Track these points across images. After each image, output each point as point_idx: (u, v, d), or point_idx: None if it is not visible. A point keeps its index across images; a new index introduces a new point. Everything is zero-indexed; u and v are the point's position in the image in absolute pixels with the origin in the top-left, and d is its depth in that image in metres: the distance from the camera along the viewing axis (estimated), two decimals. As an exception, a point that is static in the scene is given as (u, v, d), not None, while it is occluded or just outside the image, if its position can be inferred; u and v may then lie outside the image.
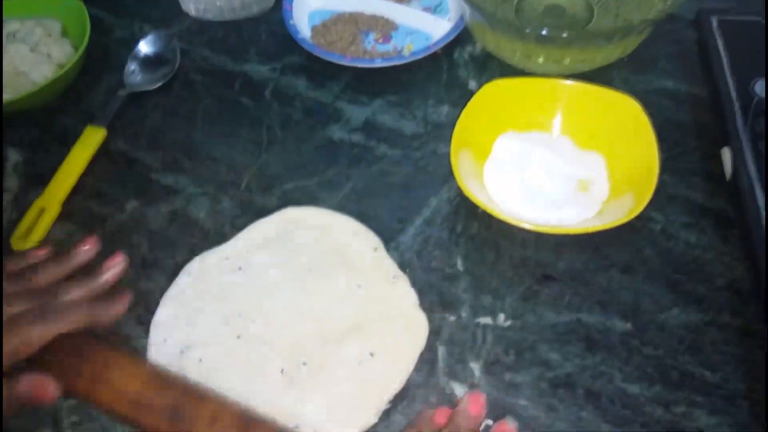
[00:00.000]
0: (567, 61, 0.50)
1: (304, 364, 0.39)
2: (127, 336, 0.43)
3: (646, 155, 0.44)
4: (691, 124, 0.50)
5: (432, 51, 0.54)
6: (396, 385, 0.39)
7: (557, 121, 0.49)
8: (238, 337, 0.41)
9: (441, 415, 0.35)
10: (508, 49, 0.51)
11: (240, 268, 0.44)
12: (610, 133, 0.47)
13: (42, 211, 0.48)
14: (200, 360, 0.40)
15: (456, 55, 0.57)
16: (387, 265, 0.43)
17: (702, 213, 0.45)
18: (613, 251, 0.44)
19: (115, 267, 0.38)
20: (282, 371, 0.39)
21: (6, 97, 0.52)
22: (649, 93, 0.52)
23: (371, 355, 0.39)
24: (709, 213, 0.45)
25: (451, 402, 0.39)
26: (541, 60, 0.50)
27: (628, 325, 0.41)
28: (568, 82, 0.47)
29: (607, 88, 0.47)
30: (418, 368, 0.40)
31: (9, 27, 0.56)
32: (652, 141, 0.44)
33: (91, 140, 0.52)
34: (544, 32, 0.46)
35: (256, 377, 0.39)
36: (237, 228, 0.47)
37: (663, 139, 0.45)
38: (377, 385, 0.39)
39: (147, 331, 0.43)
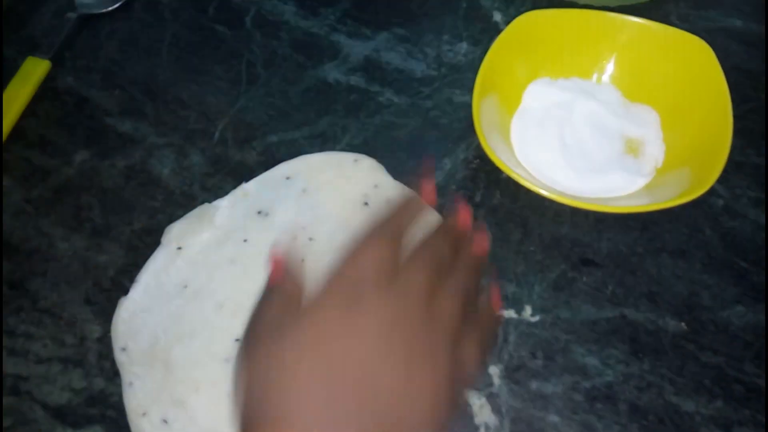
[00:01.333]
0: (620, -12, 0.40)
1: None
2: (72, 318, 0.35)
3: (716, 114, 0.36)
4: (764, 75, 0.42)
5: (451, -28, 0.45)
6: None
7: (604, 67, 0.40)
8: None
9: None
10: (548, -28, 0.42)
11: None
12: (670, 84, 0.39)
13: (-31, 162, 0.40)
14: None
15: (478, -22, 0.47)
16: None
17: (776, 186, 0.38)
18: (664, 231, 0.37)
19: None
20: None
21: (-77, 17, 0.42)
22: (712, 33, 0.43)
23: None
24: (785, 187, 0.38)
25: (466, 416, 0.32)
26: (589, -14, 0.41)
27: (683, 325, 0.34)
28: (626, 17, 0.38)
29: (671, 27, 0.38)
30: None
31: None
32: (725, 97, 0.36)
33: (32, 74, 0.44)
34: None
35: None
36: (207, 189, 0.39)
37: (729, 93, 0.36)
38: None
39: (95, 313, 0.35)
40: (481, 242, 0.27)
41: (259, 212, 0.37)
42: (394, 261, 0.24)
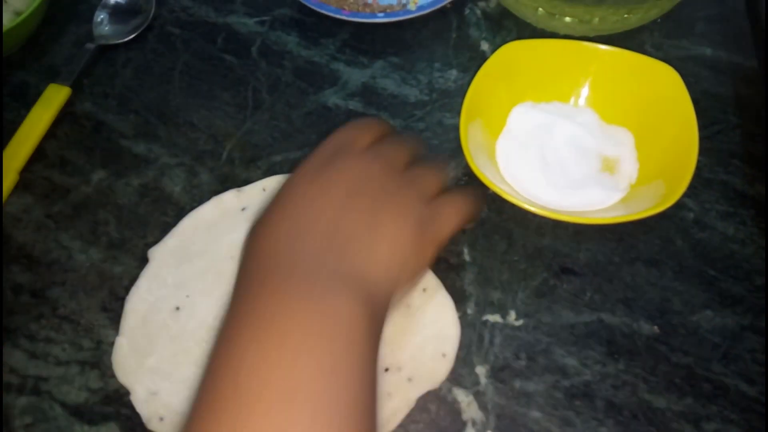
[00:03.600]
0: (596, 21, 0.44)
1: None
2: (89, 324, 0.38)
3: (684, 134, 0.38)
4: (731, 99, 0.45)
5: (441, 5, 0.48)
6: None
7: (582, 91, 0.43)
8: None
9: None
10: (530, 6, 0.45)
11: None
12: (642, 106, 0.41)
13: (-5, 181, 0.42)
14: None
15: (467, 11, 0.50)
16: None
17: (741, 201, 0.40)
18: (639, 242, 0.39)
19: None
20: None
21: (-45, 48, 0.46)
22: (684, 60, 0.46)
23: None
24: (750, 202, 0.40)
25: (454, 412, 0.34)
26: (568, 19, 0.44)
27: (655, 328, 0.36)
28: (601, 47, 0.41)
29: (643, 55, 0.41)
30: (417, 373, 0.35)
31: (-40, -33, 0.49)
32: (692, 118, 0.39)
33: (53, 100, 0.46)
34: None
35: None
36: (216, 205, 0.41)
37: (699, 115, 0.39)
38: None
39: (111, 319, 0.38)
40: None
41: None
42: (370, 138, 0.27)
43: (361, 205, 0.26)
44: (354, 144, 0.27)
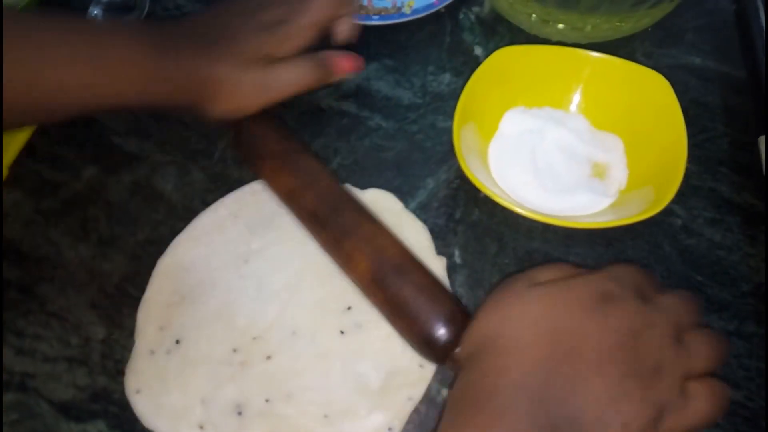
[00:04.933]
0: (588, 28, 0.44)
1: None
2: (77, 321, 0.38)
3: (673, 142, 0.39)
4: (719, 108, 0.45)
5: (436, 8, 0.48)
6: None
7: (573, 97, 0.43)
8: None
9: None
10: (523, 12, 0.45)
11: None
12: (632, 114, 0.42)
13: (-16, 175, 0.42)
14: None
15: (461, 15, 0.51)
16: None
17: (728, 209, 0.41)
18: (628, 247, 0.40)
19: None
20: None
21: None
22: (673, 69, 0.47)
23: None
24: (737, 209, 0.41)
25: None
26: (561, 26, 0.44)
27: (643, 332, 0.37)
28: (593, 54, 0.42)
29: (634, 62, 0.41)
30: (406, 373, 0.35)
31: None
32: (681, 126, 0.39)
33: None
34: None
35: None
36: (206, 203, 0.41)
37: (687, 123, 0.39)
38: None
39: (99, 316, 0.38)
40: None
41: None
42: (653, 288, 0.25)
43: (607, 371, 0.23)
44: (635, 290, 0.25)
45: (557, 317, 0.25)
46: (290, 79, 0.39)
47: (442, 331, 0.31)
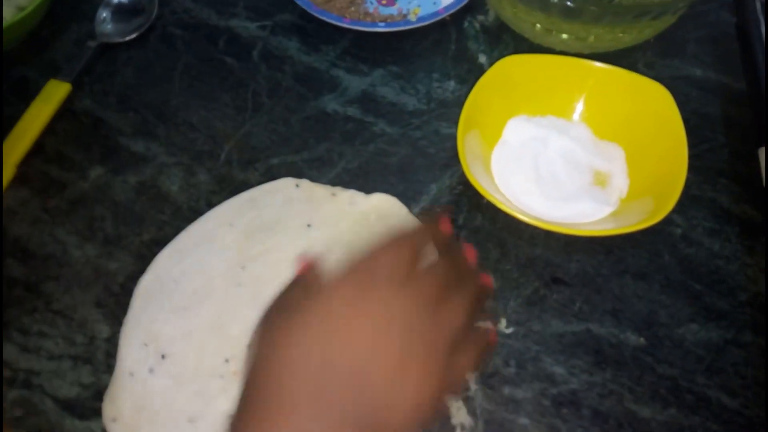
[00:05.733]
0: (591, 39, 0.45)
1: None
2: (83, 319, 0.38)
3: (673, 152, 0.40)
4: (720, 119, 0.46)
5: (441, 17, 0.49)
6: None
7: (576, 106, 0.44)
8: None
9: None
10: (527, 21, 0.46)
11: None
12: (634, 123, 0.42)
13: (-7, 174, 0.42)
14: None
15: (466, 24, 0.51)
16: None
17: (728, 219, 0.41)
18: (628, 255, 0.40)
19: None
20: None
21: (-44, 40, 0.46)
22: (675, 80, 0.47)
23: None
24: (736, 219, 0.41)
25: (444, 417, 0.35)
26: (564, 36, 0.45)
27: (642, 340, 0.37)
28: (596, 64, 0.42)
29: (636, 73, 0.42)
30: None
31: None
32: (682, 136, 0.40)
33: (53, 95, 0.46)
34: (570, 3, 0.41)
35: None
36: (212, 205, 0.42)
37: (688, 134, 0.40)
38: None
39: (105, 315, 0.38)
40: (487, 278, 0.30)
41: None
42: (410, 267, 0.25)
43: (391, 351, 0.24)
44: (393, 274, 0.25)
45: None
46: None
47: None
